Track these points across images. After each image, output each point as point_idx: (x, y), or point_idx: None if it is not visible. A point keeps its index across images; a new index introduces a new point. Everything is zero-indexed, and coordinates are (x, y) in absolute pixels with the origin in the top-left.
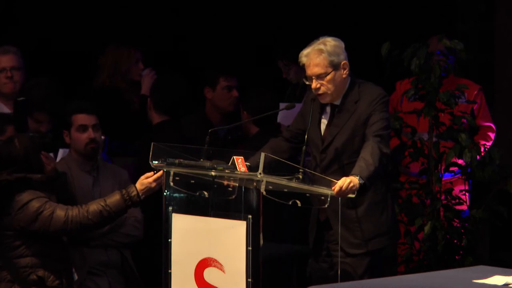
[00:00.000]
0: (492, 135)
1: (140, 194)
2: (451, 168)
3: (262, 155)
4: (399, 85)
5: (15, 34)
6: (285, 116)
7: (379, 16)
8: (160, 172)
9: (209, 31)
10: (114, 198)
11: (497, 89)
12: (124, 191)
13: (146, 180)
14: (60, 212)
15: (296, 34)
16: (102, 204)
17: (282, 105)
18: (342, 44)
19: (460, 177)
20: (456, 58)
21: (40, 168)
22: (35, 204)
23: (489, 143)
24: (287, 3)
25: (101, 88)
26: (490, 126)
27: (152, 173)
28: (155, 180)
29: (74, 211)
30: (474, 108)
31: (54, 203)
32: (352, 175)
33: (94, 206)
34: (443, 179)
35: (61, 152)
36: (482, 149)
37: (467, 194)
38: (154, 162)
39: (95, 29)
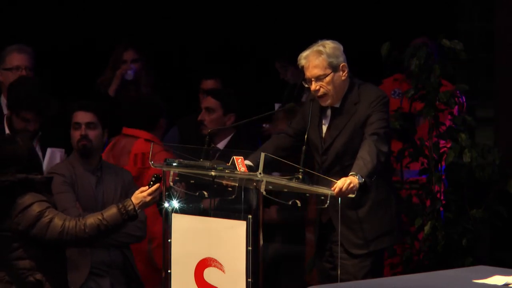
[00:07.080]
0: None
1: (136, 208)
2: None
3: (262, 155)
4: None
5: (19, 33)
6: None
7: (379, 16)
8: (155, 186)
9: (208, 32)
10: (111, 211)
11: (497, 89)
12: (121, 205)
13: (140, 194)
14: (58, 221)
15: (294, 35)
16: (100, 217)
17: (277, 106)
18: (341, 47)
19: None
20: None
21: (40, 167)
22: (36, 209)
23: None
24: (286, 4)
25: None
26: None
27: (146, 187)
28: (149, 194)
29: (71, 223)
30: None
31: (54, 210)
32: (351, 174)
33: (92, 220)
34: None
35: (49, 152)
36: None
37: None
38: (153, 162)
39: (96, 29)
